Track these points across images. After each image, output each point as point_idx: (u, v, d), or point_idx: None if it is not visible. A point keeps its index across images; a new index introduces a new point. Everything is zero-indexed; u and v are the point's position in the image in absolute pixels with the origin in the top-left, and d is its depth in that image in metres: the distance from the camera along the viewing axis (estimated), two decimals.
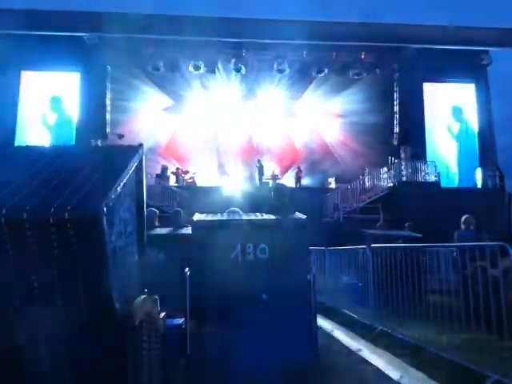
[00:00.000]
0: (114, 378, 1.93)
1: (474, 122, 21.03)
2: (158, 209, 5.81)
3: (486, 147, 20.59)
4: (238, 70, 20.17)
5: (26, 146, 3.08)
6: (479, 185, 19.27)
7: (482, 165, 20.28)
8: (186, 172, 19.92)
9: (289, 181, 20.05)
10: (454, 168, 20.61)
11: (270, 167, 21.05)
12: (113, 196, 1.90)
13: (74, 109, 19.86)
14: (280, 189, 4.65)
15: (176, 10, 20.66)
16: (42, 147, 3.31)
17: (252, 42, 19.01)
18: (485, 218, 6.98)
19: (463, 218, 6.85)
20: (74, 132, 19.64)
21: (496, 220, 14.28)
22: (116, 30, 17.72)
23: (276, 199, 4.42)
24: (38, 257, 1.73)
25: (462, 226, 6.79)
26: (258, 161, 20.50)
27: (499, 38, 19.62)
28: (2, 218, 1.65)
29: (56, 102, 19.96)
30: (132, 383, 1.95)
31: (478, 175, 19.56)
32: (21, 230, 1.67)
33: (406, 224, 9.42)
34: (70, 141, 19.26)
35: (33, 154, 2.54)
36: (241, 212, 4.58)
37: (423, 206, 13.87)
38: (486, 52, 20.47)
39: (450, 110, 21.09)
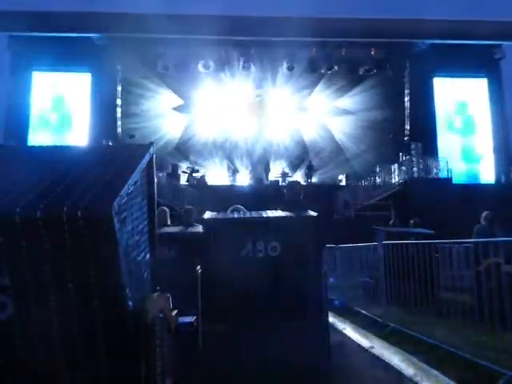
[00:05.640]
0: (127, 375, 1.94)
1: (485, 116, 20.75)
2: (168, 207, 5.85)
3: (500, 142, 20.33)
4: (247, 68, 20.16)
5: (39, 145, 3.12)
6: (482, 180, 19.12)
7: (495, 160, 20.05)
8: (197, 171, 19.99)
9: (299, 178, 20.00)
10: (461, 163, 20.39)
11: (280, 165, 21.01)
12: (124, 194, 1.91)
13: (85, 109, 20.03)
14: (293, 186, 4.64)
15: (185, 9, 20.63)
16: (54, 147, 3.35)
17: (261, 39, 18.98)
18: (498, 213, 6.92)
19: (483, 214, 6.82)
20: (71, 131, 19.97)
21: (510, 215, 14.07)
22: (124, 30, 17.84)
23: (289, 196, 4.41)
24: (51, 255, 1.75)
25: (483, 222, 6.75)
26: (265, 158, 20.50)
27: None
28: (17, 216, 1.68)
29: (57, 102, 20.12)
30: (145, 380, 1.96)
31: (482, 170, 19.41)
32: (34, 228, 1.69)
33: (412, 221, 8.68)
34: (67, 140, 19.47)
35: (45, 153, 2.57)
36: (244, 209, 4.56)
37: (435, 203, 13.71)
38: (499, 46, 20.18)
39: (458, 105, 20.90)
